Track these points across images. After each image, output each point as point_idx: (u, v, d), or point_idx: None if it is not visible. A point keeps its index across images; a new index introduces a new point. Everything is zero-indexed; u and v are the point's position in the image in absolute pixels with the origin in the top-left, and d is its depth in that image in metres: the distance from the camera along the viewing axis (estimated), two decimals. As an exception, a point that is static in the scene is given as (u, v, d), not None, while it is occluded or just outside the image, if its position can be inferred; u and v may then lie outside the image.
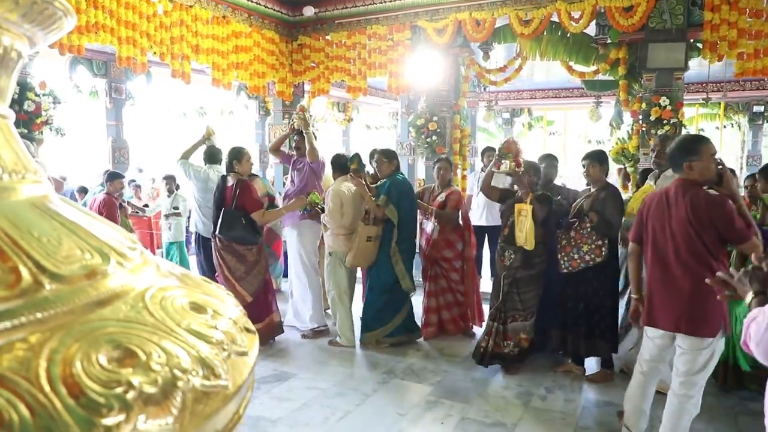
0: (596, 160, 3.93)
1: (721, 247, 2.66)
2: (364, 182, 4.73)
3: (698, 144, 2.69)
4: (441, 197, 4.90)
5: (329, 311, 5.09)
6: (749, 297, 1.68)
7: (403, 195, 4.62)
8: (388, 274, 4.63)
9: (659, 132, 5.33)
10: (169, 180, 6.70)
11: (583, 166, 3.98)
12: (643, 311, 2.90)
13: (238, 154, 4.52)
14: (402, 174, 4.80)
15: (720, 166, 2.73)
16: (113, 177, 5.45)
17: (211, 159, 5.44)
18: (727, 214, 2.57)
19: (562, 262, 3.92)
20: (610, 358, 4.03)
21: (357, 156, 4.93)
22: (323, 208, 4.73)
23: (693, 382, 2.69)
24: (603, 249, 3.78)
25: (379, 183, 4.81)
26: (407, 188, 4.73)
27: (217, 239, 4.49)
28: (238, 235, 4.39)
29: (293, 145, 5.49)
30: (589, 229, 3.81)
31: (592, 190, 3.96)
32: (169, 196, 6.70)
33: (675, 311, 2.71)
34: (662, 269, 2.78)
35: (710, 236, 2.62)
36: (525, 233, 3.93)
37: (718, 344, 2.69)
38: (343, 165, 4.84)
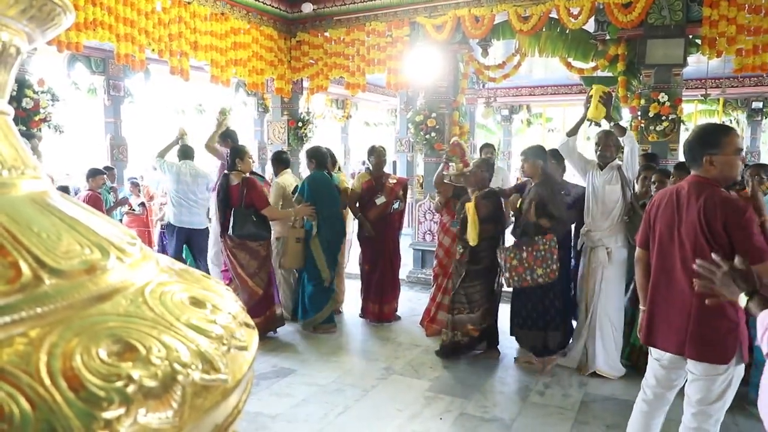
0: (530, 156, 4.04)
1: None
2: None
3: (721, 135, 2.28)
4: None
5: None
6: (743, 300, 1.53)
7: (318, 190, 4.85)
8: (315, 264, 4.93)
9: (658, 128, 5.34)
10: None
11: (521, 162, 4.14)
12: (643, 327, 2.51)
13: (240, 153, 4.63)
14: (323, 172, 4.99)
15: (751, 178, 2.45)
16: (94, 173, 5.55)
17: (185, 155, 5.83)
18: (746, 222, 2.16)
19: (511, 279, 3.95)
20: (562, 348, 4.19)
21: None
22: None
23: (707, 413, 2.28)
24: (557, 271, 3.85)
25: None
26: (324, 183, 4.93)
27: (227, 238, 4.55)
28: (251, 232, 4.50)
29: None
30: (543, 252, 3.84)
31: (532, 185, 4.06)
32: None
33: (678, 331, 2.31)
34: (667, 280, 2.40)
35: (723, 246, 2.18)
36: (469, 230, 4.10)
37: (737, 371, 2.28)
38: (283, 160, 5.33)
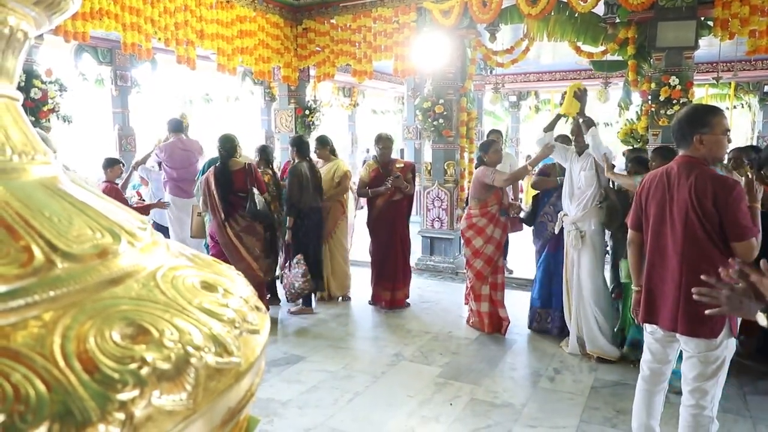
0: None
1: (726, 240, 2.30)
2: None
3: (711, 115, 2.34)
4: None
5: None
6: (762, 318, 1.48)
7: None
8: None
9: (669, 112, 5.27)
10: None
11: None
12: (641, 307, 2.58)
13: (238, 143, 4.78)
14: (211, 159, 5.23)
15: (747, 176, 2.49)
16: (111, 163, 5.33)
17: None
18: (735, 200, 2.22)
19: (287, 296, 5.02)
20: (309, 296, 5.14)
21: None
22: None
23: (704, 390, 2.36)
24: (309, 281, 4.90)
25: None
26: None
27: (233, 222, 4.56)
28: (264, 213, 4.62)
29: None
30: (296, 269, 4.85)
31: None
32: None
33: (671, 308, 2.41)
34: (661, 259, 2.47)
35: (713, 224, 2.28)
36: None
37: (729, 347, 2.36)
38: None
